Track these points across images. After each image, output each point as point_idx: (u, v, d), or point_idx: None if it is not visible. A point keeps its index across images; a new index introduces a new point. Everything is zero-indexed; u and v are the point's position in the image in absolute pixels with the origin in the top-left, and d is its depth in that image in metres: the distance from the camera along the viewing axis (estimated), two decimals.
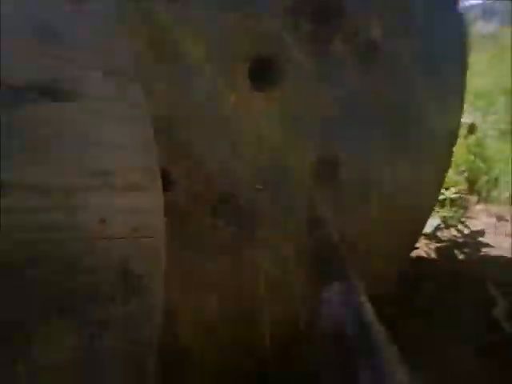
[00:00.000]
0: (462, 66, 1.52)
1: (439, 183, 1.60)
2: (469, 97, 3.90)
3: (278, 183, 1.08)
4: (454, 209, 2.03)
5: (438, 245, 1.86)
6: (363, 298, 0.61)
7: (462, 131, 2.61)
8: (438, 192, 1.59)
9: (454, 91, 1.49)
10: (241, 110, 0.97)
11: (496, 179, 2.34)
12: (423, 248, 1.86)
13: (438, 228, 1.88)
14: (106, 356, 0.60)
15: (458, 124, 1.64)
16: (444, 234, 1.97)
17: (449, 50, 1.43)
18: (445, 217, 1.96)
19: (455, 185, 2.15)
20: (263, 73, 1.01)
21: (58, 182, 0.54)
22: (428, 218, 1.60)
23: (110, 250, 0.60)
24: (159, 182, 0.65)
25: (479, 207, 2.26)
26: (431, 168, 1.51)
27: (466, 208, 2.10)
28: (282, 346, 1.20)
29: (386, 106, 1.24)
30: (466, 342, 1.35)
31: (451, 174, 2.34)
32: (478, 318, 1.45)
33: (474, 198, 2.33)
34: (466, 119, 2.71)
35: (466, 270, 1.73)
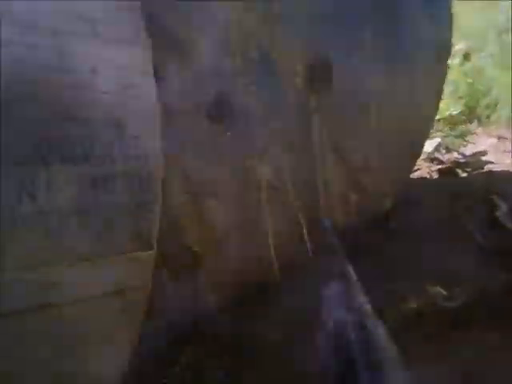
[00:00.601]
0: None
1: (437, 92, 1.58)
2: (462, 35, 3.85)
3: (268, 82, 1.07)
4: (453, 132, 2.01)
5: (440, 166, 1.86)
6: (363, 299, 0.61)
7: (458, 59, 2.57)
8: (438, 101, 1.57)
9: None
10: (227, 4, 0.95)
11: (495, 103, 2.31)
12: (425, 170, 1.86)
13: (438, 149, 1.87)
14: (109, 209, 0.61)
15: (450, 34, 1.61)
16: (445, 157, 1.96)
17: None
18: (445, 137, 1.94)
19: (450, 109, 2.13)
20: None
21: (45, 21, 0.53)
22: (429, 129, 1.59)
23: (102, 104, 0.60)
24: (146, 39, 0.64)
25: (479, 130, 2.24)
26: (427, 76, 1.49)
27: (466, 131, 2.08)
28: (285, 256, 1.21)
29: (373, 5, 1.21)
30: (469, 240, 1.36)
31: (449, 101, 2.31)
32: (481, 219, 1.46)
33: (473, 123, 2.31)
34: (460, 46, 2.67)
35: (468, 184, 1.73)
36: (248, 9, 0.99)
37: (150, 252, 0.67)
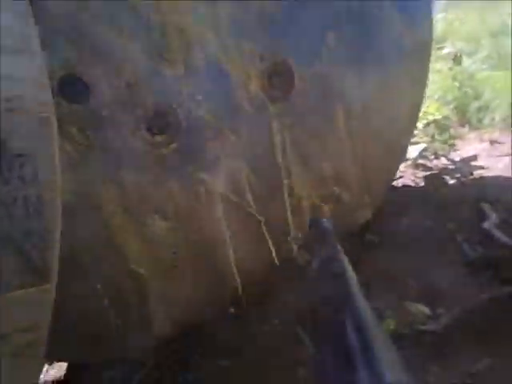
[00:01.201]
0: None
1: (417, 94, 1.47)
2: (455, 38, 3.77)
3: (220, 94, 0.98)
4: (441, 137, 1.91)
5: (426, 173, 1.75)
6: (363, 299, 0.57)
7: (448, 63, 2.48)
8: (419, 103, 1.46)
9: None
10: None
11: (487, 105, 2.21)
12: (409, 177, 1.75)
13: (423, 154, 1.76)
14: None
15: (430, 36, 1.51)
16: (433, 163, 1.85)
17: None
18: (432, 141, 1.83)
19: (440, 112, 2.02)
20: None
21: None
22: (411, 132, 1.49)
23: None
24: (36, 47, 0.56)
25: (471, 135, 2.13)
26: (405, 79, 1.39)
27: (454, 135, 1.97)
28: (249, 275, 1.11)
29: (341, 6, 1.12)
30: (456, 253, 1.25)
31: (438, 105, 2.21)
32: (469, 232, 1.35)
33: (465, 128, 2.21)
34: (450, 49, 2.57)
35: (456, 191, 1.62)
36: (188, 11, 0.91)
37: (47, 286, 0.58)
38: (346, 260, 0.70)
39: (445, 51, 2.60)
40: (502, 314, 1.03)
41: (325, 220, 0.95)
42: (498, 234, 1.29)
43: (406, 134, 1.51)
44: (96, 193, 0.85)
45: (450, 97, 2.30)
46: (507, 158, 1.84)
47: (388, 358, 0.41)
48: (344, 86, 1.21)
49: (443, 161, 1.85)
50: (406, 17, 1.32)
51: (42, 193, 0.56)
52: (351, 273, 0.64)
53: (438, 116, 1.86)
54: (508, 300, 1.06)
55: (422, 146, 1.75)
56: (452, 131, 2.01)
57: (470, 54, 3.13)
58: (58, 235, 0.59)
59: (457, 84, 2.29)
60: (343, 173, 1.30)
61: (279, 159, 1.14)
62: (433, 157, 1.89)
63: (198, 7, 0.93)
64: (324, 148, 1.23)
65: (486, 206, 1.48)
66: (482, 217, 1.42)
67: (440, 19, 3.66)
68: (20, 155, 0.55)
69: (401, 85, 1.38)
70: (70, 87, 0.78)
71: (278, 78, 1.09)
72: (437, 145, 1.91)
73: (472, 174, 1.74)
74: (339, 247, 0.73)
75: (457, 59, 2.45)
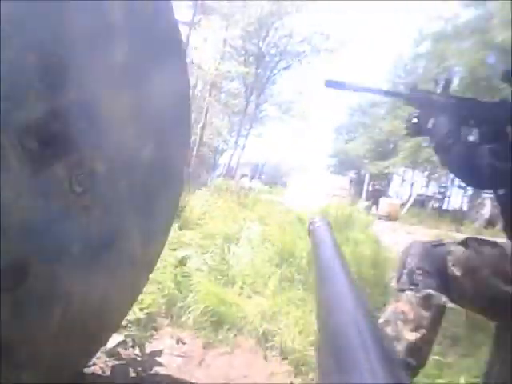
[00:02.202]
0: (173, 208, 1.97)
1: (127, 304, 1.85)
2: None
3: None
4: (143, 329, 2.29)
5: (116, 362, 2.02)
6: (363, 299, 0.61)
7: (172, 261, 3.11)
8: (126, 312, 1.82)
9: (161, 224, 1.89)
10: None
11: (189, 305, 2.81)
12: (100, 365, 1.98)
13: (120, 345, 2.05)
14: None
15: (158, 255, 2.01)
16: (127, 352, 2.16)
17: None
18: (131, 334, 2.18)
19: (152, 306, 2.47)
20: None
21: None
22: (112, 331, 1.78)
23: None
24: None
25: (167, 330, 2.61)
26: (123, 288, 1.76)
27: (155, 329, 2.40)
28: None
29: (84, 226, 1.45)
30: None
31: (155, 297, 2.68)
32: None
33: (165, 321, 2.69)
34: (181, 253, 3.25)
35: None
36: None
37: None
38: (344, 259, 0.73)
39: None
40: None
41: (323, 219, 1.00)
42: None
43: (109, 331, 1.82)
44: None
45: (166, 291, 2.83)
46: (179, 359, 2.34)
47: (387, 358, 0.42)
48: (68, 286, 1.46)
49: (137, 351, 2.19)
50: (145, 237, 1.77)
51: None
52: (350, 272, 0.68)
53: (142, 315, 2.28)
54: None
55: (121, 337, 2.07)
56: (158, 321, 2.44)
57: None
58: None
59: (171, 284, 2.87)
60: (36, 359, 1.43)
61: None
62: (131, 344, 2.21)
63: None
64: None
65: None
66: None
67: None
68: None
69: (119, 290, 1.73)
70: None
71: (14, 274, 1.26)
72: (137, 334, 2.27)
73: (151, 369, 2.11)
74: (338, 247, 0.79)
75: (182, 260, 3.12)
